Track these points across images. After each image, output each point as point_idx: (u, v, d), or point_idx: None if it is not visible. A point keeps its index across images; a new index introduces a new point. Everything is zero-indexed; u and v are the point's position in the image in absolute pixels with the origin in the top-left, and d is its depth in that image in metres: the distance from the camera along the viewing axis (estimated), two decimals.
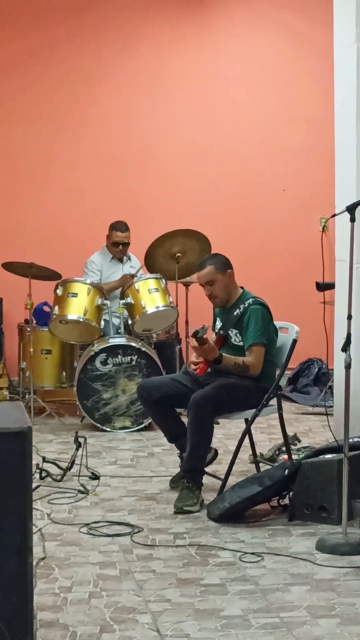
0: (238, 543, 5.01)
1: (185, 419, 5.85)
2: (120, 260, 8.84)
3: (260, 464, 6.21)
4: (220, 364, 5.78)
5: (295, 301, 9.49)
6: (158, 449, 7.29)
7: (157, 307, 8.05)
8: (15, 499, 3.19)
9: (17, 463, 3.19)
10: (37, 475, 6.13)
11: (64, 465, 6.33)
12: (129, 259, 8.89)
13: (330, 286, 7.27)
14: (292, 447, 6.56)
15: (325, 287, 8.01)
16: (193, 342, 5.76)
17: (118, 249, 8.75)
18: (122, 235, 8.72)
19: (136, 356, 8.00)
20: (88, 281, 8.24)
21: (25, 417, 3.39)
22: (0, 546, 3.17)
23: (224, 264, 5.99)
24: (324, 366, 9.45)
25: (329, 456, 5.40)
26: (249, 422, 5.82)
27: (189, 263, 8.32)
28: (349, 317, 4.88)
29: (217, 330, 6.07)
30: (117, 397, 7.97)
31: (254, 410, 5.73)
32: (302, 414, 8.72)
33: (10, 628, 3.16)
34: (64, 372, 8.55)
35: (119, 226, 8.74)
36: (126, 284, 8.31)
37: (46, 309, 8.72)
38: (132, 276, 8.47)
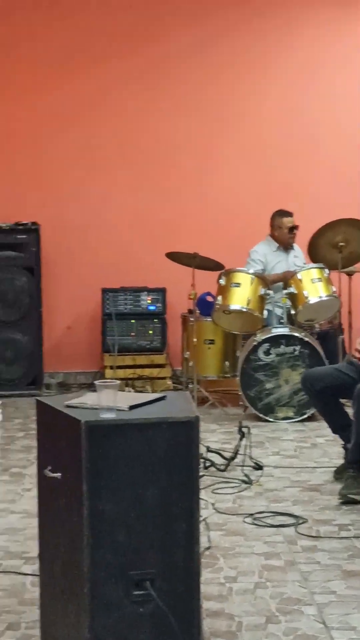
0: None
1: (349, 410, 5.79)
2: (286, 249, 8.78)
3: None
4: None
5: None
6: (321, 439, 7.24)
7: (320, 297, 7.98)
8: (183, 488, 3.22)
9: (184, 452, 3.22)
10: (201, 465, 6.17)
11: (227, 455, 6.36)
12: (292, 248, 8.84)
13: None
14: None
15: None
16: None
17: (293, 234, 8.70)
18: (292, 219, 8.67)
19: (299, 346, 7.95)
20: (251, 271, 8.22)
21: (193, 407, 3.42)
22: (169, 535, 3.21)
23: None
24: None
25: None
26: None
27: (353, 252, 8.23)
28: None
29: None
30: (280, 387, 7.95)
31: None
32: None
33: (177, 617, 3.20)
34: (226, 362, 8.58)
35: (287, 212, 8.69)
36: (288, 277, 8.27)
37: (209, 299, 8.76)
38: (294, 273, 8.39)
